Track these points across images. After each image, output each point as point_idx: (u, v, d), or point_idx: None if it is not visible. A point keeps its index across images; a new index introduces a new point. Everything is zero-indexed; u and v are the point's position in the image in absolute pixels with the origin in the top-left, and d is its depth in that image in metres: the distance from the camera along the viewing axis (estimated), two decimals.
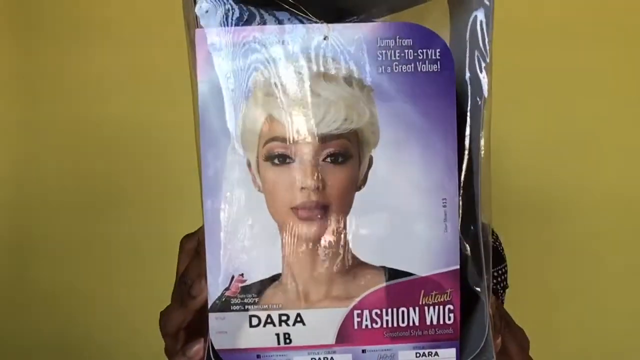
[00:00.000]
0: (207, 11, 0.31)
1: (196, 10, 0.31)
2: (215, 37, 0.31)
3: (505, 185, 0.86)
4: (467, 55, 0.32)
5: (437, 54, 0.31)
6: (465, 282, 0.33)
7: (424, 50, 0.31)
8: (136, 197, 1.14)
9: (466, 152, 0.32)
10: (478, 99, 0.32)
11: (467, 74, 0.32)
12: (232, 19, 0.31)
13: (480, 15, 0.32)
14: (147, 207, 1.11)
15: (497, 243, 0.58)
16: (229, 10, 0.31)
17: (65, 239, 1.18)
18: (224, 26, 0.31)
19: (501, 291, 0.56)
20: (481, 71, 0.32)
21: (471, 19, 0.32)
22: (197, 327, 0.34)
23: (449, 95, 0.32)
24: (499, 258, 0.56)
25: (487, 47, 0.32)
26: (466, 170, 0.32)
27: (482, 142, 0.33)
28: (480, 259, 0.33)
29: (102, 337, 1.15)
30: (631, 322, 0.94)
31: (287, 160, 0.31)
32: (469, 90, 0.32)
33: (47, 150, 1.20)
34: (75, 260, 1.15)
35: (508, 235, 0.61)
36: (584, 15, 0.90)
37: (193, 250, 0.35)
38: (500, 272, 0.56)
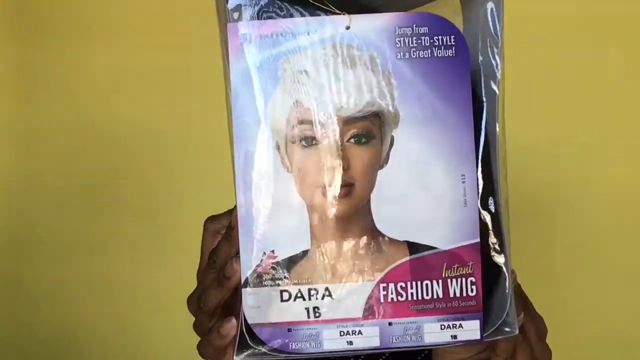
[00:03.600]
0: (238, 6, 0.34)
1: (228, 5, 0.34)
2: (246, 30, 0.33)
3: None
4: (480, 42, 0.35)
5: (452, 40, 0.34)
6: (486, 255, 0.34)
7: (440, 37, 0.34)
8: (137, 197, 1.13)
9: (482, 131, 0.34)
10: (492, 83, 0.35)
11: (480, 59, 0.34)
12: (261, 13, 0.34)
13: (491, 5, 0.34)
14: (147, 208, 1.10)
15: None
16: (258, 4, 0.34)
17: (65, 238, 1.18)
18: (254, 20, 0.34)
19: None
20: (494, 57, 0.34)
21: (482, 9, 0.34)
22: (230, 304, 0.35)
23: (464, 78, 0.34)
24: None
25: (499, 34, 0.34)
26: (484, 148, 0.34)
27: (498, 124, 0.35)
28: (501, 233, 0.34)
29: (101, 337, 1.15)
30: (633, 321, 0.94)
31: (314, 142, 0.34)
32: (483, 75, 0.35)
33: (47, 150, 1.20)
34: (75, 259, 1.16)
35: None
36: (589, 13, 0.91)
37: (217, 232, 0.37)
38: None
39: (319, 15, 0.34)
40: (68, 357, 1.19)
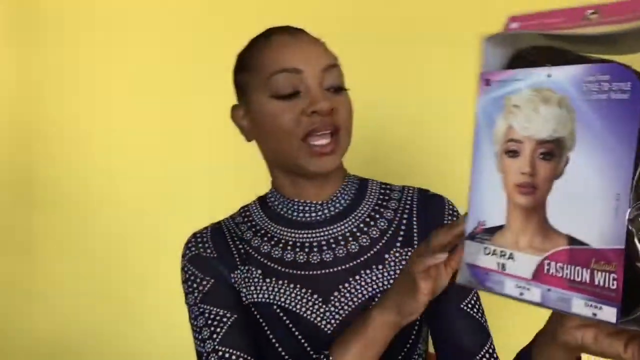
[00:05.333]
0: (491, 58, 0.52)
1: (482, 69, 0.53)
2: (490, 77, 0.52)
3: None
4: None
5: (628, 85, 0.42)
6: (632, 260, 0.42)
7: (617, 83, 0.43)
8: (136, 197, 1.16)
9: None
10: None
11: None
12: (502, 63, 0.51)
13: None
14: (146, 206, 1.13)
15: None
16: (503, 58, 0.51)
17: (65, 238, 1.29)
18: (497, 70, 0.52)
19: None
20: None
21: None
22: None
23: (634, 118, 0.42)
24: None
25: None
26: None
27: None
28: None
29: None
30: None
31: (516, 154, 0.50)
32: None
33: (49, 149, 1.30)
34: (74, 257, 1.29)
35: None
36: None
37: None
38: None
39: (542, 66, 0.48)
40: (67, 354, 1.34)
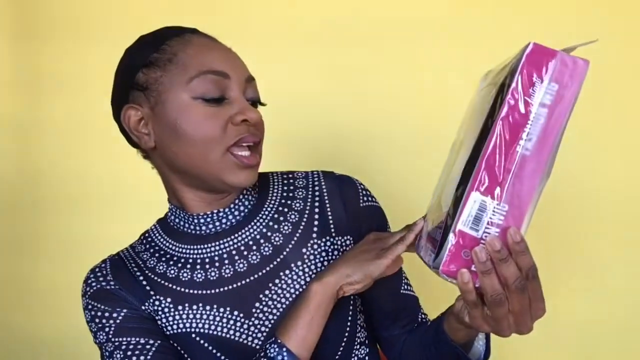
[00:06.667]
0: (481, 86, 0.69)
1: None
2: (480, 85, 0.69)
3: None
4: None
5: (492, 92, 0.56)
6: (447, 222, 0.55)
7: (485, 90, 0.57)
8: (137, 197, 1.17)
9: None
10: (491, 121, 0.53)
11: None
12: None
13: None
14: (147, 206, 1.06)
15: None
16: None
17: (65, 237, 1.26)
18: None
19: None
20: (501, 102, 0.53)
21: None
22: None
23: (483, 115, 0.56)
24: None
25: (510, 84, 0.53)
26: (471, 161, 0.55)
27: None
28: (455, 212, 0.54)
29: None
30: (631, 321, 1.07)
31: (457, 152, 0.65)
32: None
33: (49, 149, 1.25)
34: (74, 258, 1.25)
35: None
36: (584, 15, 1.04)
37: None
38: None
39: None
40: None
